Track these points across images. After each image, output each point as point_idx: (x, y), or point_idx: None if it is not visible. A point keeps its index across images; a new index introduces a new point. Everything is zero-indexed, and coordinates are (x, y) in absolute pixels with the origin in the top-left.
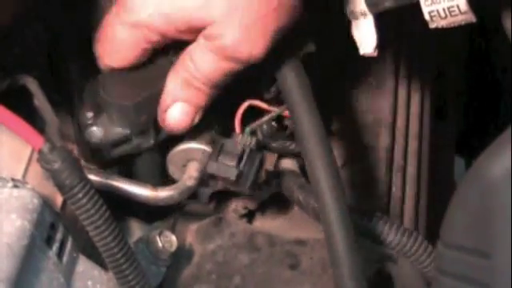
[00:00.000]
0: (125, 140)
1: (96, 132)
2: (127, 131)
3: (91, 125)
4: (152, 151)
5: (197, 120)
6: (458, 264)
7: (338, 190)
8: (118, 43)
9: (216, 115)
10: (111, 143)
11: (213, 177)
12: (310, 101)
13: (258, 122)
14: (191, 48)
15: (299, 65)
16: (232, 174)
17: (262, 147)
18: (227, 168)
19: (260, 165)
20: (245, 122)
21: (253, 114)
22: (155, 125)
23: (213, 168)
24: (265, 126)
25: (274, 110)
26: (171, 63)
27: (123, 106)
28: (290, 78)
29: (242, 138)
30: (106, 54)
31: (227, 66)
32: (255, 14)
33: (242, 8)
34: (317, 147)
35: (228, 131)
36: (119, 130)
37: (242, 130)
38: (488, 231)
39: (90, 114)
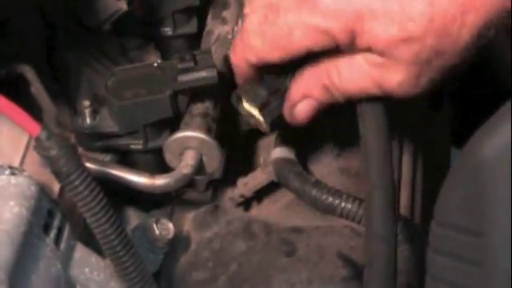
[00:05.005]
0: (113, 135)
1: (88, 117)
2: (115, 128)
3: (86, 109)
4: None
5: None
6: (451, 242)
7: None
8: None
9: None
10: (100, 134)
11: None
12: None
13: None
14: (341, 62)
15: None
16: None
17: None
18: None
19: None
20: None
21: None
22: (146, 130)
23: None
24: None
25: None
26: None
27: (113, 103)
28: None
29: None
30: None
31: (374, 93)
32: (435, 66)
33: (425, 62)
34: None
35: None
36: (109, 124)
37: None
38: (481, 210)
39: (86, 103)
